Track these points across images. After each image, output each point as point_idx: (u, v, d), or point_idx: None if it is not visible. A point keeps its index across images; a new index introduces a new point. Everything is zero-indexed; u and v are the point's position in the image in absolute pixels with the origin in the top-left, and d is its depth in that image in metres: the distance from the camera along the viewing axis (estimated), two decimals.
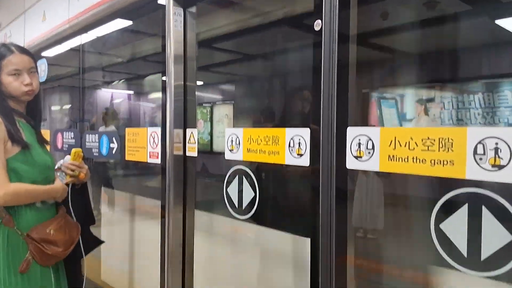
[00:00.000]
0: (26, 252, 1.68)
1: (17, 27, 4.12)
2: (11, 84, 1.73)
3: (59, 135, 3.32)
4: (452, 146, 1.17)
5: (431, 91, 4.58)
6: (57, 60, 3.90)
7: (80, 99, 3.43)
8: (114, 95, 5.98)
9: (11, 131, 1.68)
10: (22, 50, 1.79)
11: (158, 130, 2.22)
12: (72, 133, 3.12)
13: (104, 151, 2.68)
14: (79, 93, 3.42)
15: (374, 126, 4.76)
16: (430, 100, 4.58)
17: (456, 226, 1.21)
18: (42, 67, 3.61)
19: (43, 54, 3.75)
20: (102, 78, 5.03)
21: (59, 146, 3.33)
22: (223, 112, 6.06)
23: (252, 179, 1.83)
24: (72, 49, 3.47)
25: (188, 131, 2.15)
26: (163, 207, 2.23)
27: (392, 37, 4.12)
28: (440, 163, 1.19)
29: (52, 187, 1.77)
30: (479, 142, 1.12)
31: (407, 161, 1.26)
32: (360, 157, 1.37)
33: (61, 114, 5.17)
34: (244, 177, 1.86)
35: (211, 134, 6.10)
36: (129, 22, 2.83)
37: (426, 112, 4.57)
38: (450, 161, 1.17)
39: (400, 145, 1.28)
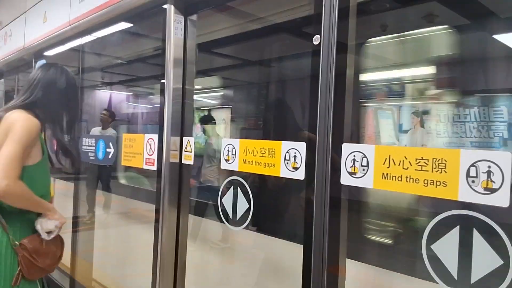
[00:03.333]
0: (16, 264, 1.61)
1: (18, 26, 4.12)
2: None
3: None
4: (445, 167, 1.19)
5: (427, 104, 4.61)
6: (57, 59, 3.90)
7: (78, 99, 3.42)
8: (112, 96, 5.97)
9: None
10: None
11: (155, 137, 2.22)
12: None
13: (100, 156, 2.68)
14: (78, 93, 3.41)
15: (371, 136, 4.78)
16: (426, 112, 4.61)
17: (447, 248, 1.22)
18: None
19: (44, 54, 3.75)
20: (101, 79, 5.02)
21: (55, 148, 3.32)
22: (221, 116, 6.07)
23: (247, 190, 1.84)
24: (72, 49, 3.47)
25: (185, 139, 2.16)
26: (157, 212, 2.24)
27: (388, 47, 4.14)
28: (433, 183, 1.21)
29: (48, 205, 1.74)
30: (472, 165, 1.14)
31: (401, 180, 1.28)
32: (355, 173, 1.39)
33: None
34: (239, 188, 1.87)
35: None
36: (130, 25, 2.84)
37: (422, 124, 4.60)
38: (443, 182, 1.19)
39: (395, 164, 1.29)
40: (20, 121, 1.61)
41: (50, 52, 3.70)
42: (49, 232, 1.73)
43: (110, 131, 4.20)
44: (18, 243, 1.63)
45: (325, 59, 1.51)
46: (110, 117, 4.44)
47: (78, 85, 1.80)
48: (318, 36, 1.53)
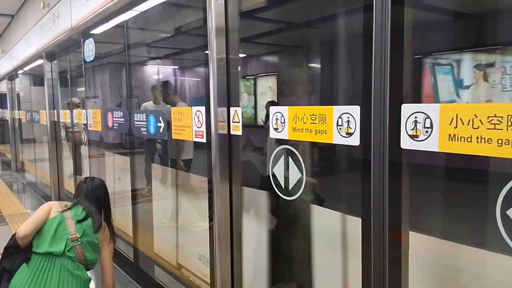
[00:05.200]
0: None
1: (64, 7, 4.21)
2: None
3: (109, 114, 3.41)
4: None
5: (491, 55, 4.22)
6: (104, 37, 3.96)
7: (126, 75, 3.48)
8: (160, 70, 6.03)
9: None
10: None
11: (203, 109, 2.20)
12: (121, 112, 3.18)
13: (152, 130, 2.72)
14: (126, 69, 3.47)
15: (427, 95, 4.49)
16: (490, 65, 4.22)
17: None
18: (90, 46, 3.69)
19: (91, 32, 3.82)
20: (146, 54, 5.06)
21: (110, 125, 3.42)
22: (267, 84, 5.96)
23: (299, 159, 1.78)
24: (117, 26, 3.50)
25: (232, 109, 2.11)
26: (210, 184, 2.25)
27: None
28: (509, 143, 1.07)
29: None
30: None
31: (470, 140, 1.15)
32: (417, 136, 1.27)
33: (111, 91, 5.31)
34: (290, 157, 1.81)
35: (255, 107, 6.05)
36: None
37: (485, 78, 4.23)
38: None
39: (463, 123, 1.16)
40: None
41: (96, 30, 3.76)
42: None
43: (165, 106, 4.19)
44: None
45: (379, 13, 1.37)
46: (160, 92, 4.46)
47: None
48: None
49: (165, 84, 3.69)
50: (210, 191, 2.27)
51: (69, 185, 5.71)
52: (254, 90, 6.25)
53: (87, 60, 3.80)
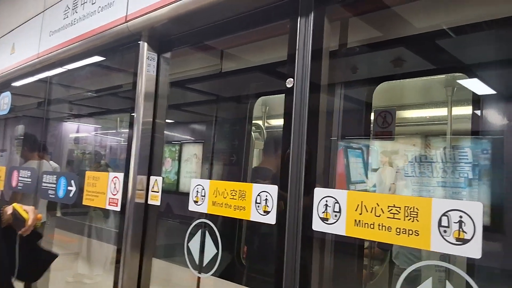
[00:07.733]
0: None
1: None
2: None
3: (15, 172, 3.13)
4: (417, 216, 1.17)
5: (395, 144, 4.72)
6: (23, 90, 3.78)
7: (42, 131, 3.29)
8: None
9: None
10: None
11: (121, 176, 2.13)
12: (29, 172, 2.94)
13: (60, 194, 2.53)
14: (42, 125, 3.29)
15: (341, 173, 4.80)
16: (395, 152, 4.71)
17: None
18: (6, 99, 3.47)
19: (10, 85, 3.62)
20: (68, 111, 4.86)
21: (14, 184, 3.13)
22: (192, 151, 5.98)
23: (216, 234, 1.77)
24: (39, 80, 3.37)
25: (152, 178, 2.08)
26: (118, 254, 2.11)
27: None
28: (406, 232, 1.18)
29: None
30: (444, 214, 1.13)
31: (373, 227, 1.25)
32: (327, 219, 1.35)
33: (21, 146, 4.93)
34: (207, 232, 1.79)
35: (178, 173, 5.98)
36: (101, 58, 2.78)
37: (390, 163, 4.68)
38: (415, 231, 1.17)
39: (367, 211, 1.27)
40: None
41: (16, 83, 3.58)
42: None
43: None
44: None
45: (298, 102, 1.50)
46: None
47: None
48: (292, 79, 1.53)
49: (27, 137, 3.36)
50: (118, 262, 2.12)
51: None
52: (179, 156, 6.21)
53: (0, 113, 3.55)
